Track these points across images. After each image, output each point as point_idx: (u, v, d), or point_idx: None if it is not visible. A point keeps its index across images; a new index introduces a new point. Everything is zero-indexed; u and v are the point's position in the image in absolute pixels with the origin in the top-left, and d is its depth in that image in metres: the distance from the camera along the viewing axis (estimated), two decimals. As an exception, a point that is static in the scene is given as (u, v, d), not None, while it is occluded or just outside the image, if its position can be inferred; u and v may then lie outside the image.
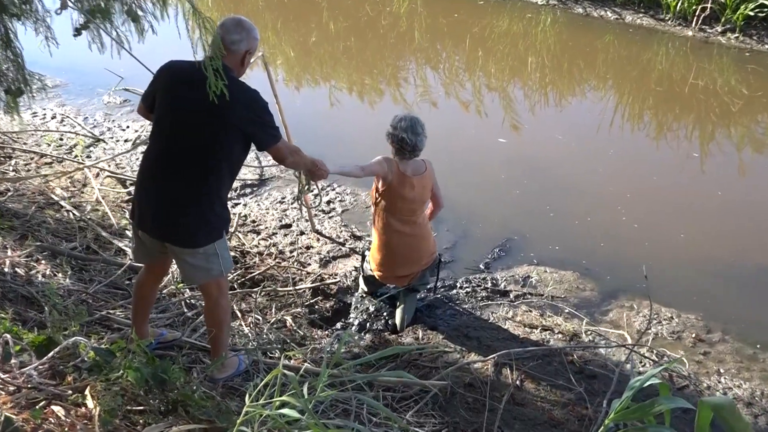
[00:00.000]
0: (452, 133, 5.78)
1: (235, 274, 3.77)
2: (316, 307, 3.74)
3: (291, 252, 4.24)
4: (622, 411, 1.87)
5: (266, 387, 1.71)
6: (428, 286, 3.85)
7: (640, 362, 3.27)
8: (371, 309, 3.76)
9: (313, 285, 3.88)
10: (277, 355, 3.04)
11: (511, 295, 3.92)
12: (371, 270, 3.56)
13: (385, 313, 3.72)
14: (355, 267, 4.09)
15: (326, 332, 3.53)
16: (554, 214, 4.76)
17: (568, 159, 5.52)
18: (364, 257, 3.72)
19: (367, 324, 3.66)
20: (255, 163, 5.27)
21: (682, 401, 1.82)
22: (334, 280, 3.96)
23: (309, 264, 4.13)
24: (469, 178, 5.17)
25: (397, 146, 3.17)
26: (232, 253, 3.81)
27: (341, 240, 4.42)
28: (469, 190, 5.00)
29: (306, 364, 2.84)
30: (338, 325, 3.65)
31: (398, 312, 3.60)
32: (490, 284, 4.01)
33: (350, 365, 1.90)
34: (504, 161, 5.47)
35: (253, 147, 2.40)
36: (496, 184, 5.16)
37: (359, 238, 4.50)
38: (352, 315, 3.75)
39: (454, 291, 3.96)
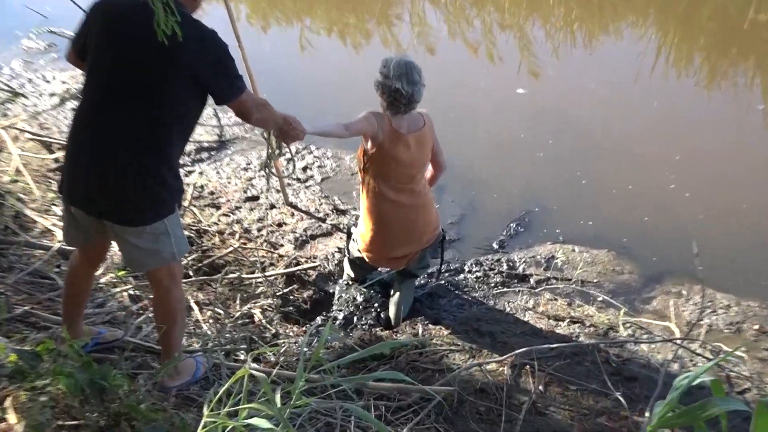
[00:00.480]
0: (458, 83, 5.71)
1: (189, 258, 3.76)
2: (291, 297, 3.75)
3: (259, 230, 4.21)
4: (665, 416, 1.83)
5: (229, 396, 1.70)
6: (429, 270, 3.83)
7: (691, 361, 3.25)
8: (359, 299, 3.76)
9: (287, 271, 3.87)
10: (243, 357, 3.03)
11: (532, 281, 3.91)
12: (359, 251, 3.56)
13: (376, 304, 3.73)
14: (338, 248, 4.05)
15: (303, 328, 3.54)
16: (586, 181, 4.72)
17: (602, 113, 5.47)
18: (349, 236, 3.72)
19: (354, 318, 3.67)
20: (213, 121, 5.22)
21: (740, 404, 1.80)
22: (312, 265, 3.95)
23: (281, 245, 4.11)
24: (480, 138, 5.13)
25: (390, 98, 3.10)
26: (186, 233, 3.77)
27: (321, 215, 4.41)
28: (479, 151, 4.95)
29: (278, 368, 2.83)
30: (318, 319, 3.65)
31: (392, 302, 3.62)
32: (505, 267, 4.01)
33: (332, 366, 1.88)
34: (523, 116, 5.42)
35: (210, 101, 2.35)
36: (513, 145, 5.11)
37: (343, 213, 4.42)
38: (335, 307, 3.76)
39: (462, 276, 3.95)
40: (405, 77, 3.02)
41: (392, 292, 3.66)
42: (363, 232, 3.48)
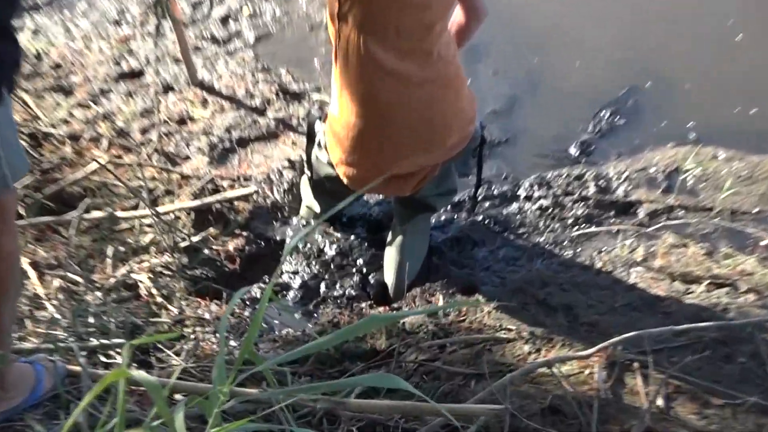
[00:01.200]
0: None
1: (20, 186, 3.71)
2: (205, 251, 3.72)
3: (145, 133, 4.26)
4: None
5: (95, 425, 1.67)
6: (456, 198, 3.89)
7: None
8: (329, 252, 3.81)
9: (197, 204, 3.83)
10: (119, 359, 2.96)
11: (641, 212, 3.95)
12: (329, 165, 3.45)
13: (360, 261, 3.77)
14: (289, 161, 4.09)
15: (227, 303, 3.50)
16: (743, 36, 4.76)
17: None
18: (311, 138, 3.64)
19: (321, 286, 3.68)
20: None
21: None
22: (242, 192, 3.93)
23: (186, 158, 4.16)
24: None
25: None
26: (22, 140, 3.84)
27: (256, 102, 4.45)
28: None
29: (182, 374, 2.84)
30: (254, 288, 3.66)
31: (391, 257, 3.65)
32: (592, 189, 4.08)
33: (276, 366, 1.81)
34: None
35: None
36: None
37: (297, 97, 4.46)
38: (285, 267, 3.80)
39: (515, 207, 4.02)
40: None
41: (390, 238, 3.68)
42: (337, 131, 3.32)
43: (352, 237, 3.81)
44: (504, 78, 4.42)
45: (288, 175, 4.02)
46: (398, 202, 3.65)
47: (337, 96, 3.33)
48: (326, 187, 3.62)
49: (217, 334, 3.22)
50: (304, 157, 3.81)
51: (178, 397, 2.64)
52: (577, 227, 3.83)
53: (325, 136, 3.49)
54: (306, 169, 3.77)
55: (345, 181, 3.40)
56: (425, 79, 3.18)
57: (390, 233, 3.68)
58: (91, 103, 4.34)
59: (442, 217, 3.85)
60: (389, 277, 3.60)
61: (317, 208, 3.80)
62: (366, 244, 3.78)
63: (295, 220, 3.90)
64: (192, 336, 3.19)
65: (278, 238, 3.84)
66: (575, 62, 4.52)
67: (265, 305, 1.79)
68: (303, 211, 3.89)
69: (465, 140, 3.38)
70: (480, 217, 3.87)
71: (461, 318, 3.34)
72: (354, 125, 3.27)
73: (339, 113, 3.34)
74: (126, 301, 3.35)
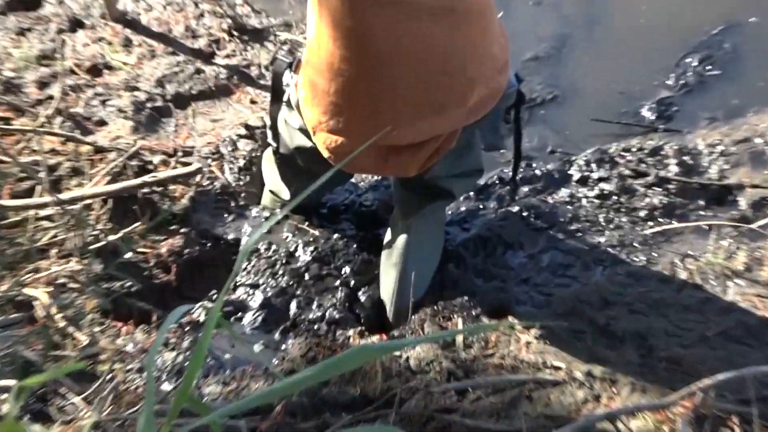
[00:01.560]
0: None
1: None
2: (128, 255, 3.59)
3: (42, 88, 4.17)
4: None
5: None
6: (479, 180, 3.83)
7: None
8: (303, 257, 3.70)
9: (115, 189, 3.68)
10: (4, 408, 2.84)
11: (742, 201, 3.89)
12: (302, 130, 3.33)
13: (346, 269, 3.69)
14: (246, 126, 4.10)
15: (158, 329, 3.41)
16: None
17: None
18: (277, 93, 3.49)
19: (292, 303, 3.57)
20: None
21: None
22: (181, 171, 3.84)
23: (99, 121, 4.09)
24: None
25: None
26: None
27: (204, 41, 4.54)
28: None
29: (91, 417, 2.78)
30: (197, 308, 3.54)
31: (390, 262, 3.57)
32: (674, 168, 4.06)
33: (234, 409, 1.83)
34: None
35: None
36: None
37: (258, 35, 4.54)
38: (242, 277, 3.71)
39: (564, 193, 4.03)
40: None
41: (388, 238, 3.58)
42: (316, 83, 3.10)
43: (336, 235, 3.69)
44: (550, 8, 4.39)
45: (245, 147, 3.96)
46: (401, 187, 3.47)
47: (315, 34, 3.09)
48: (299, 165, 3.51)
49: (144, 373, 3.11)
50: (268, 122, 3.62)
51: (87, 463, 2.44)
52: (652, 223, 3.82)
53: (297, 91, 3.28)
54: (270, 139, 3.60)
55: (326, 154, 3.18)
56: (440, 8, 3.00)
57: (389, 231, 3.55)
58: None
59: (462, 207, 3.76)
60: (387, 292, 3.51)
61: (285, 195, 3.69)
62: (355, 246, 3.68)
63: (254, 210, 3.81)
64: (109, 376, 3.03)
65: (231, 236, 3.73)
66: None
67: (212, 332, 1.68)
68: (266, 198, 3.79)
69: (494, 98, 3.15)
70: (516, 209, 3.81)
71: (489, 351, 3.25)
72: (338, 74, 3.06)
73: (318, 58, 3.09)
74: (14, 326, 3.20)
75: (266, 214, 3.81)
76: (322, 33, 3.11)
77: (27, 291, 3.31)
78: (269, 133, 3.63)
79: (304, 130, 3.31)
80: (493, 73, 3.18)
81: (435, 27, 3.03)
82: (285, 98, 3.46)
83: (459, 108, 3.14)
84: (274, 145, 3.61)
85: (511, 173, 3.68)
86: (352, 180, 3.86)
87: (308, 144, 3.34)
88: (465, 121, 3.15)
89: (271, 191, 3.75)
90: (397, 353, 3.22)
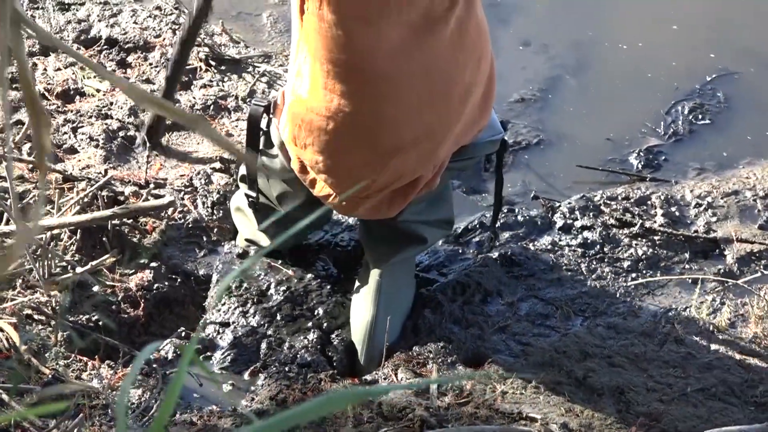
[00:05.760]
0: None
1: None
2: (96, 288, 3.64)
3: (12, 110, 4.16)
4: None
5: None
6: (459, 227, 3.93)
7: None
8: (277, 296, 3.72)
9: (84, 219, 3.72)
10: None
11: (729, 255, 3.93)
12: (288, 172, 3.37)
13: (319, 311, 3.70)
14: (221, 159, 4.11)
15: (125, 370, 3.45)
16: None
17: None
18: (253, 136, 3.52)
19: (263, 344, 3.60)
20: None
21: None
22: (153, 203, 3.86)
23: (69, 149, 4.14)
24: None
25: None
26: None
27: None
28: None
29: None
30: (166, 345, 3.57)
31: (361, 306, 3.60)
32: (660, 219, 4.08)
33: None
34: None
35: None
36: None
37: (236, 65, 4.40)
38: (211, 314, 3.72)
39: (545, 240, 4.02)
40: None
41: (359, 282, 3.63)
42: (309, 121, 3.19)
43: (310, 275, 3.71)
44: (539, 50, 4.40)
45: (219, 180, 4.00)
46: (370, 233, 3.57)
47: (305, 68, 3.22)
48: (279, 212, 3.58)
49: (112, 412, 3.14)
50: (243, 171, 3.72)
51: None
52: (635, 274, 3.84)
53: (281, 130, 3.37)
54: (246, 190, 3.63)
55: (328, 201, 3.32)
56: (435, 39, 3.12)
57: (360, 273, 3.61)
58: None
59: (441, 252, 3.80)
60: (359, 336, 3.55)
61: (264, 243, 3.74)
62: (329, 287, 3.71)
63: (226, 246, 3.85)
64: (73, 413, 3.07)
65: (201, 272, 3.77)
66: (642, 35, 4.39)
67: (185, 371, 1.74)
68: (239, 238, 3.83)
69: (472, 132, 3.37)
70: (495, 255, 3.84)
71: (463, 399, 3.32)
72: (338, 110, 3.14)
73: (310, 93, 3.20)
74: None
75: (239, 251, 3.90)
76: (314, 66, 3.19)
77: (-15, 327, 3.23)
78: (244, 185, 3.68)
79: (288, 173, 3.40)
80: (480, 106, 3.39)
81: (430, 53, 3.20)
82: (261, 145, 3.51)
83: (439, 145, 3.32)
84: (253, 195, 3.62)
85: (491, 219, 3.80)
86: (332, 217, 3.92)
87: (290, 190, 3.47)
88: (452, 150, 3.36)
89: (247, 240, 3.82)
90: (369, 398, 3.23)
